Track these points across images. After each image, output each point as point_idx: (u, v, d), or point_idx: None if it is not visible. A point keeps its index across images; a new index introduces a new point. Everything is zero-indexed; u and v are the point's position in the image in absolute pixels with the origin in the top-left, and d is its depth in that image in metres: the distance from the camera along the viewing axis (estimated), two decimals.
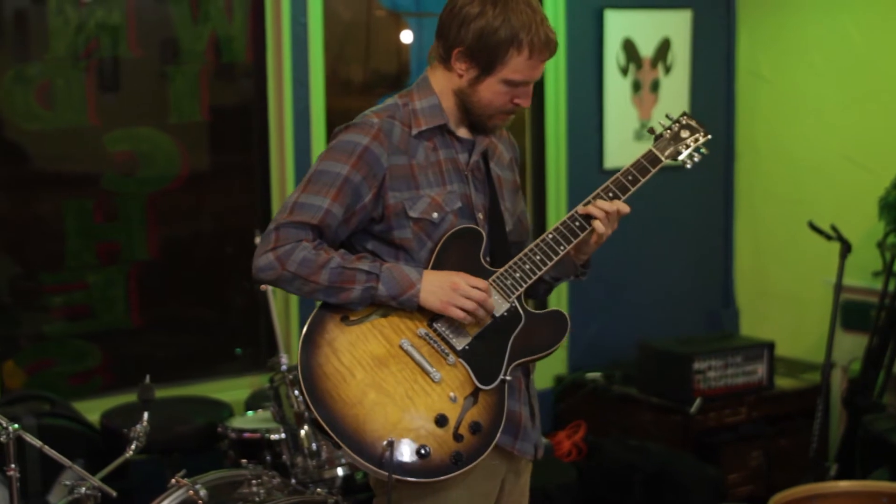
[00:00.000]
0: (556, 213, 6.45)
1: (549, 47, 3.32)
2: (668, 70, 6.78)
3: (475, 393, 3.27)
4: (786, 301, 6.94)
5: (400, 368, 3.25)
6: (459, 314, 3.26)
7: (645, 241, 6.84)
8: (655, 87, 6.74)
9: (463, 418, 3.24)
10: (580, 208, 3.41)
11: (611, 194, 3.42)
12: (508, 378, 3.32)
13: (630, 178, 3.45)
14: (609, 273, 6.69)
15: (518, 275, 3.35)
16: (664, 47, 6.77)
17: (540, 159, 6.56)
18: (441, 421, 3.22)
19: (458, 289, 3.26)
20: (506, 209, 3.50)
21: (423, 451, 3.18)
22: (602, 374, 6.46)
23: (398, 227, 3.33)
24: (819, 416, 5.57)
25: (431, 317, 3.31)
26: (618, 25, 6.60)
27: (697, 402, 5.91)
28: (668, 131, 3.57)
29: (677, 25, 6.82)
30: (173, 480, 4.10)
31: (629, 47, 6.65)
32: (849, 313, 6.30)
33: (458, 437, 3.22)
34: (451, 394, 3.25)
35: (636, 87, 6.68)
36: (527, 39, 3.27)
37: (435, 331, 3.31)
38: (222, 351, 6.00)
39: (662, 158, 3.51)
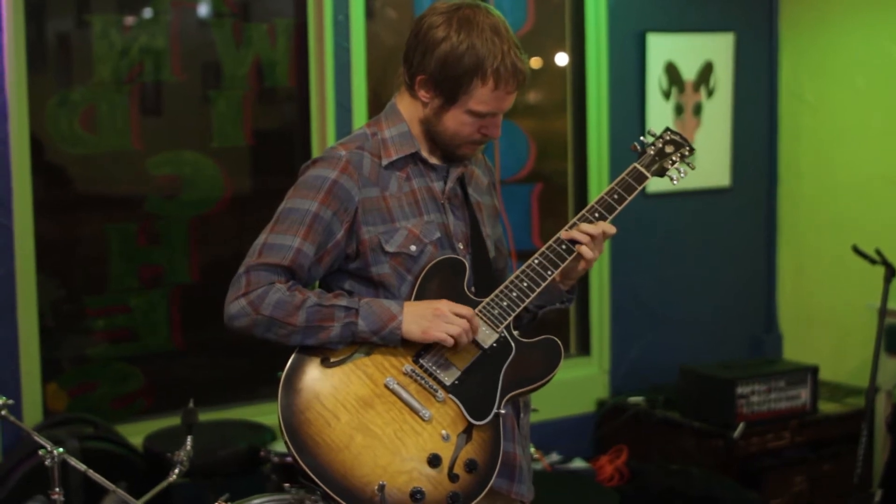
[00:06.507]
0: None
1: (516, 78, 3.16)
2: (710, 93, 6.76)
3: (468, 430, 3.12)
4: (829, 325, 6.90)
5: (387, 409, 3.09)
6: (443, 336, 3.09)
7: (687, 265, 6.82)
8: (698, 110, 6.72)
9: (457, 457, 3.08)
10: (563, 233, 3.26)
11: (597, 214, 3.30)
12: (503, 411, 3.16)
13: (616, 196, 3.34)
14: (651, 297, 6.69)
15: (505, 303, 3.20)
16: (707, 71, 6.75)
17: (582, 183, 6.55)
18: (434, 461, 3.06)
19: (442, 314, 3.11)
20: (487, 236, 3.37)
21: (417, 495, 3.02)
22: (644, 399, 6.43)
23: (375, 262, 3.19)
24: (863, 441, 5.52)
25: (416, 353, 3.15)
26: (660, 49, 6.59)
27: (740, 426, 5.87)
28: (652, 147, 3.46)
29: (720, 49, 6.81)
30: None
31: (671, 71, 6.63)
32: (893, 337, 6.25)
33: (453, 476, 3.07)
34: (443, 432, 3.09)
35: (679, 110, 6.66)
36: (492, 69, 3.11)
37: (421, 367, 3.14)
38: (264, 374, 5.95)
39: (648, 175, 3.41)
